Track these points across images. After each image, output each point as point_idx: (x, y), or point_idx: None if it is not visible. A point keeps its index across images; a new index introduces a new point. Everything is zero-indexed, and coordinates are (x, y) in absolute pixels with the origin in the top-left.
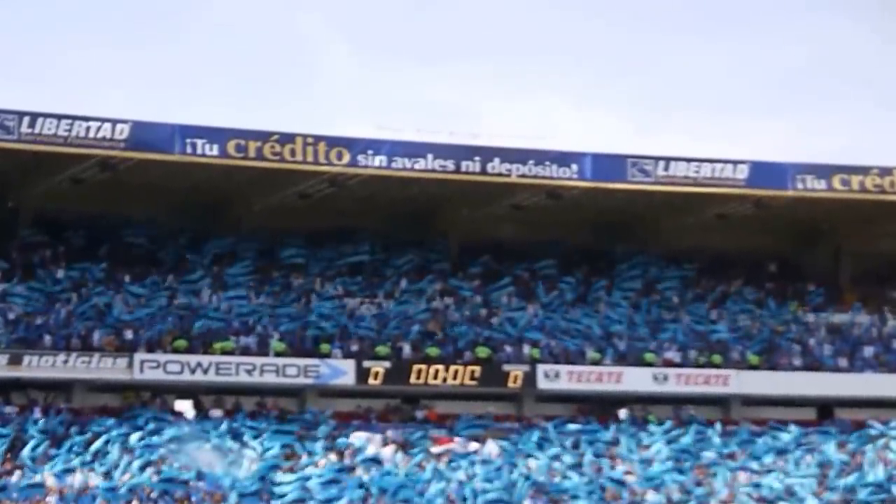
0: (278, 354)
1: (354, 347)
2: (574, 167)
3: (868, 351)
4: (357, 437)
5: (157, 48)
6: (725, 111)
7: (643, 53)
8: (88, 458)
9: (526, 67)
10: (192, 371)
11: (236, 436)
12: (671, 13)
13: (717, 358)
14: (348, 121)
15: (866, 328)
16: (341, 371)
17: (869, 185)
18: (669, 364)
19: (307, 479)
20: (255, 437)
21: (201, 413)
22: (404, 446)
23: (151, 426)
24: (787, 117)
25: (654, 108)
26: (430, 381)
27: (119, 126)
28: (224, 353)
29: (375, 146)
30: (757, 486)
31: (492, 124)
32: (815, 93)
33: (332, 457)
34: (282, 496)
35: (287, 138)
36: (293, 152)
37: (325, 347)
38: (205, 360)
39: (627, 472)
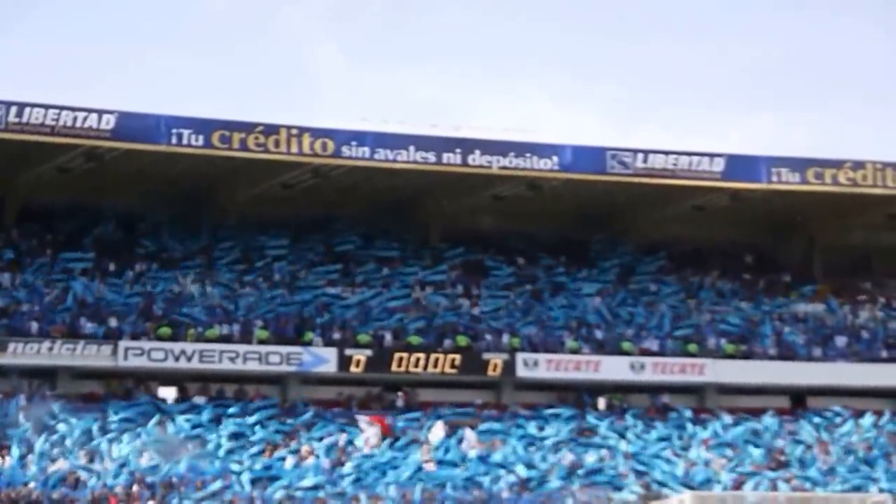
0: (261, 342)
1: (336, 335)
2: (554, 159)
3: (840, 341)
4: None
5: (146, 44)
6: (704, 108)
7: (623, 51)
8: (72, 444)
9: (510, 66)
10: (176, 358)
11: (218, 423)
12: (651, 11)
13: (692, 347)
14: (336, 118)
15: (839, 319)
16: (323, 359)
17: (842, 178)
18: (646, 353)
19: (288, 465)
20: (237, 424)
21: (185, 400)
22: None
23: (135, 413)
24: (765, 114)
25: (634, 107)
26: (412, 368)
27: (105, 116)
28: (207, 340)
29: (359, 138)
30: (732, 471)
31: (477, 121)
32: (792, 90)
33: (314, 443)
34: (263, 482)
35: (271, 129)
36: (277, 143)
37: (307, 335)
38: (188, 347)
39: (603, 460)
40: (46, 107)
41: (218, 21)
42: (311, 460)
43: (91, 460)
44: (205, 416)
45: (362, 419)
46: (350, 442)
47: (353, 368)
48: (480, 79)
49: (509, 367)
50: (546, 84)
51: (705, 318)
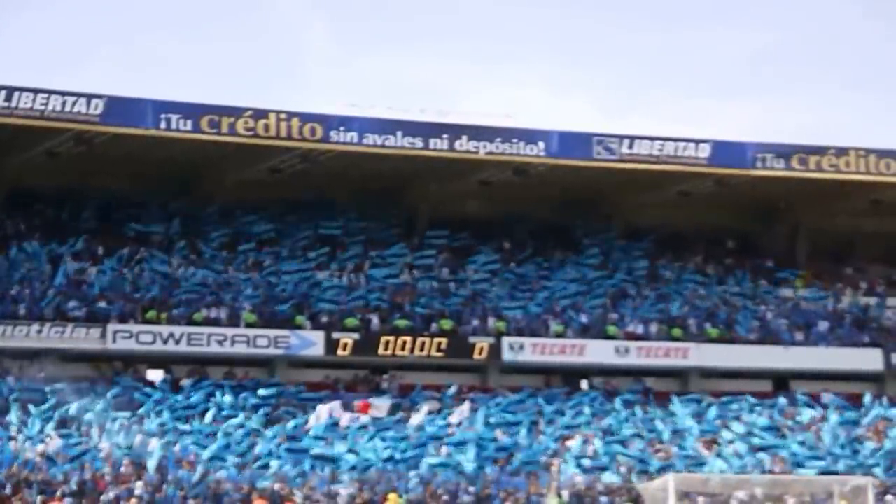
0: (249, 325)
1: (324, 319)
2: (541, 144)
3: (823, 326)
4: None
5: (135, 29)
6: (691, 95)
7: (613, 38)
8: (61, 426)
9: (499, 52)
10: (165, 341)
11: (206, 405)
12: None
13: (677, 331)
14: (325, 103)
15: (821, 304)
16: (311, 342)
17: (826, 164)
18: (631, 337)
19: (276, 447)
20: (225, 407)
21: (173, 383)
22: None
23: (123, 395)
24: (750, 100)
25: (623, 93)
26: (398, 352)
27: (94, 101)
28: (196, 323)
29: (347, 123)
30: (715, 453)
31: (465, 107)
32: (778, 76)
33: (301, 425)
34: (252, 463)
35: (260, 114)
36: (266, 128)
37: (297, 319)
38: (177, 330)
39: (588, 443)
40: (35, 91)
41: (207, 5)
42: (299, 442)
43: (80, 442)
44: (193, 398)
45: (336, 405)
46: (336, 423)
47: (340, 352)
48: (469, 64)
49: (495, 350)
50: (534, 70)
51: (690, 303)
